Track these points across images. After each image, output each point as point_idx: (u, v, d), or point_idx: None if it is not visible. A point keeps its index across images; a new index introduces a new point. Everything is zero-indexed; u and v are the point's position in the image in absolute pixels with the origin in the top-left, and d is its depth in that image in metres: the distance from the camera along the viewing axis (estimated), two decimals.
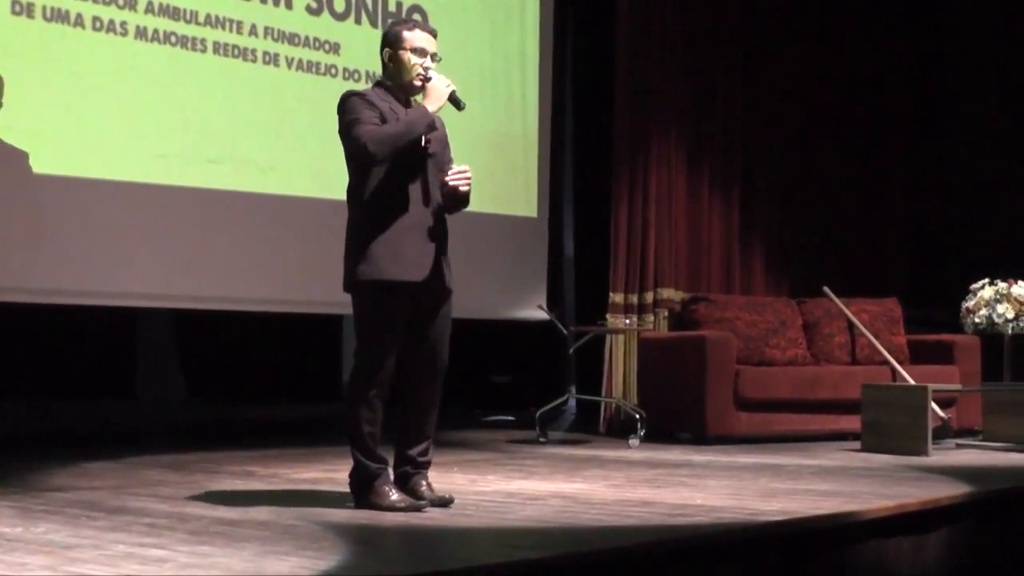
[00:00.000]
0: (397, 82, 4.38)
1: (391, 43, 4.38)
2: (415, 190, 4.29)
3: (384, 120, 4.25)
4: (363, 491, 4.30)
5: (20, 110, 5.93)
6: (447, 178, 4.32)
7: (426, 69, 4.33)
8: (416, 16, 7.30)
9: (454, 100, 4.32)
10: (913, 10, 9.94)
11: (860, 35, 9.59)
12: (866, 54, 9.61)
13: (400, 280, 4.23)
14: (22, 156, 5.94)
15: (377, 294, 4.25)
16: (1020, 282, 7.24)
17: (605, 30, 8.35)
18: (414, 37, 4.36)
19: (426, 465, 4.41)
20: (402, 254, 4.23)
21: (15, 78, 5.92)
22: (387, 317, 4.25)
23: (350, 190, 4.35)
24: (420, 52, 4.35)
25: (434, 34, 4.42)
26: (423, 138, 4.32)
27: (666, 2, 8.31)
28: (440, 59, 4.40)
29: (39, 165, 6.00)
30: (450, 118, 4.50)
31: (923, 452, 6.38)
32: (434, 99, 4.29)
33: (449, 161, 4.47)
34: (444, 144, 4.46)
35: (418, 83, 4.33)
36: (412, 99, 4.36)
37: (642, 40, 8.21)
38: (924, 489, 4.90)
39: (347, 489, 4.51)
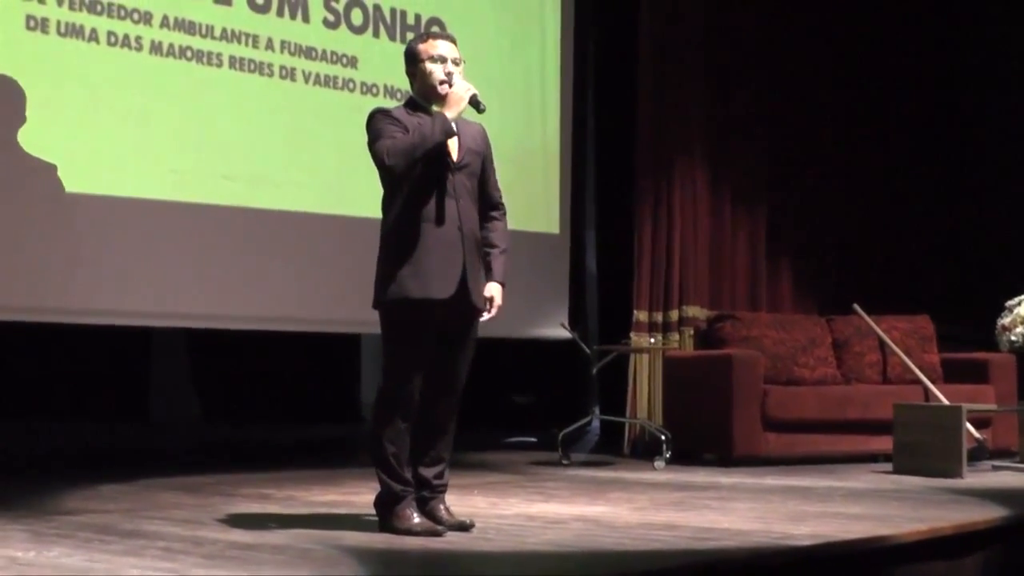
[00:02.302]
0: (423, 95, 4.40)
1: (411, 59, 4.44)
2: (442, 205, 4.30)
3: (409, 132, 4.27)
4: (385, 513, 4.31)
5: (32, 125, 5.96)
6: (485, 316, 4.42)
7: (448, 75, 4.35)
8: (434, 28, 7.32)
9: (474, 103, 4.32)
10: (943, 19, 9.92)
11: (888, 48, 9.57)
12: (895, 66, 9.59)
13: (423, 298, 4.23)
14: (45, 170, 5.99)
15: (401, 313, 4.26)
16: None
17: (627, 42, 8.35)
18: (431, 46, 4.40)
19: (443, 489, 4.42)
20: (425, 271, 4.24)
21: (28, 93, 5.95)
22: (412, 336, 4.26)
23: (382, 206, 4.39)
24: (439, 59, 4.38)
25: (453, 40, 4.45)
26: (455, 150, 4.34)
27: (689, 15, 8.32)
28: (464, 62, 4.42)
29: (50, 182, 6.03)
30: None
31: (957, 474, 6.35)
32: (453, 104, 4.30)
33: (493, 177, 4.51)
34: (481, 155, 4.47)
35: (442, 90, 4.34)
36: (434, 109, 4.37)
37: (665, 52, 8.21)
38: (958, 512, 4.88)
39: (365, 512, 4.53)
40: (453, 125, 4.29)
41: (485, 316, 4.43)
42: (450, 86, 4.33)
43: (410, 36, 7.27)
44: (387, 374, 4.31)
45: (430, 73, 4.38)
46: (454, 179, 4.34)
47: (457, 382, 4.40)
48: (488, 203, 4.52)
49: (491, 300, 4.43)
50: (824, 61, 9.19)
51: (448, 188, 4.32)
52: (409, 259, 4.25)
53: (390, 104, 6.34)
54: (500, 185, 4.59)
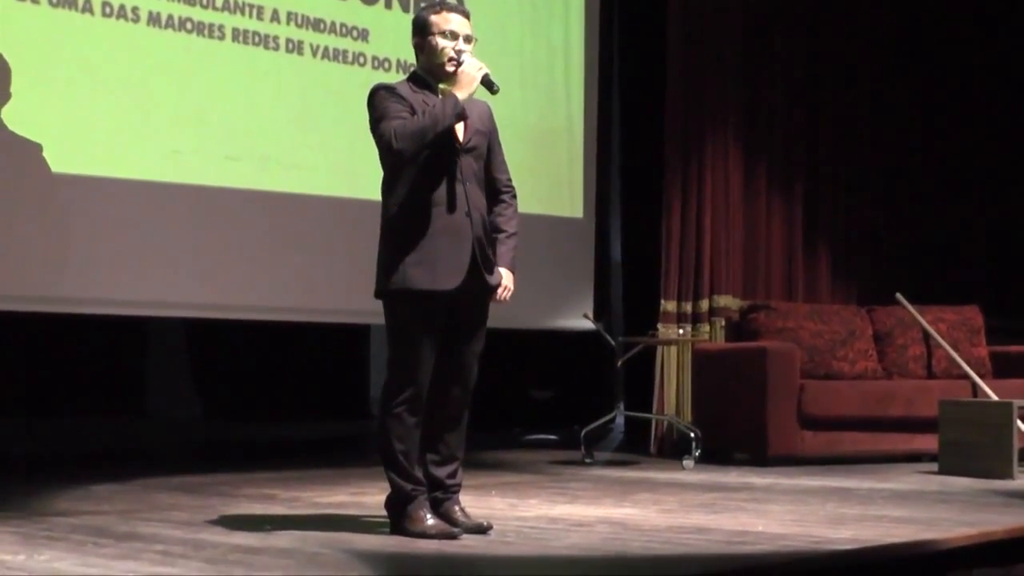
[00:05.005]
0: (429, 70, 4.38)
1: (420, 30, 4.40)
2: (449, 189, 4.27)
3: (415, 113, 4.24)
4: (397, 515, 4.30)
5: (23, 103, 5.97)
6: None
7: (458, 52, 4.32)
8: None
9: (487, 83, 4.30)
10: (993, 4, 9.85)
11: (934, 25, 9.50)
12: (942, 45, 9.52)
13: (430, 290, 4.22)
14: (33, 150, 5.98)
15: (406, 304, 4.24)
16: None
17: (655, 15, 8.32)
18: (443, 20, 4.36)
19: (456, 488, 4.40)
20: (433, 261, 4.22)
21: (18, 68, 5.96)
22: (419, 328, 4.24)
23: (382, 189, 4.36)
24: (451, 35, 4.34)
25: (466, 15, 4.42)
26: (461, 132, 4.32)
27: None
28: (476, 40, 4.39)
29: (38, 162, 6.03)
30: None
31: (1008, 475, 6.32)
32: (464, 84, 4.26)
33: (499, 157, 4.48)
34: (487, 135, 4.44)
35: (450, 68, 4.31)
36: (441, 87, 4.33)
37: (695, 26, 8.17)
38: (1010, 515, 4.85)
39: (376, 514, 4.51)
40: (464, 107, 4.27)
41: (497, 299, 4.42)
42: (459, 65, 4.30)
43: None
44: (392, 368, 4.30)
45: (440, 49, 4.34)
46: (461, 162, 4.32)
47: (468, 374, 4.39)
48: (495, 185, 4.50)
49: (503, 287, 4.41)
50: (865, 36, 9.13)
51: (455, 171, 4.30)
52: (414, 247, 4.23)
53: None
54: (511, 166, 4.55)
